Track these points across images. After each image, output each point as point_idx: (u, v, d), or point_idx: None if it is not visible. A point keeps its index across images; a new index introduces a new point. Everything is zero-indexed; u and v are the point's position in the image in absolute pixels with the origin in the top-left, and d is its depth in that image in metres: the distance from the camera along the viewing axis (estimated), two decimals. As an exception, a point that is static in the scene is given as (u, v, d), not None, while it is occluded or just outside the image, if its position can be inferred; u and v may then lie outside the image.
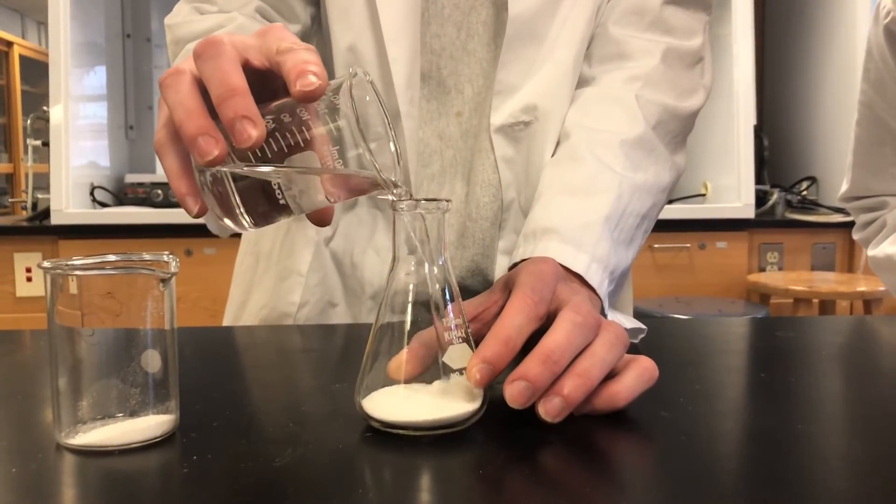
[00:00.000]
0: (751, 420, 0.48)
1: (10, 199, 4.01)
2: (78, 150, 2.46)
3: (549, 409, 0.42)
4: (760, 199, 2.62)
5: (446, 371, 0.44)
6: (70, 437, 0.41)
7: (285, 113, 0.41)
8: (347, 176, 0.43)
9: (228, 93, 0.38)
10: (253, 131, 0.38)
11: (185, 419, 0.44)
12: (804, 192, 2.80)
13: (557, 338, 0.44)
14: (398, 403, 0.43)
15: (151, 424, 0.41)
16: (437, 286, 0.44)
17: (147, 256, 0.43)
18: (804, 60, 2.91)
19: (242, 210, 0.42)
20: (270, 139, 0.40)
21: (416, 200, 0.43)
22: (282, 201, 0.43)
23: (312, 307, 0.75)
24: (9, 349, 0.67)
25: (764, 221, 2.57)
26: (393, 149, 0.43)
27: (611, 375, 0.46)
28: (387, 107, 0.44)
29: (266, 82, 0.42)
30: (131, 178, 2.61)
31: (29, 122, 2.96)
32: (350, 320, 0.76)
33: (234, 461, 0.39)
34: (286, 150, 0.41)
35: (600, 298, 0.57)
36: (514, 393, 0.42)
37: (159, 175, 2.65)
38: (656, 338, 0.66)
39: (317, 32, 0.75)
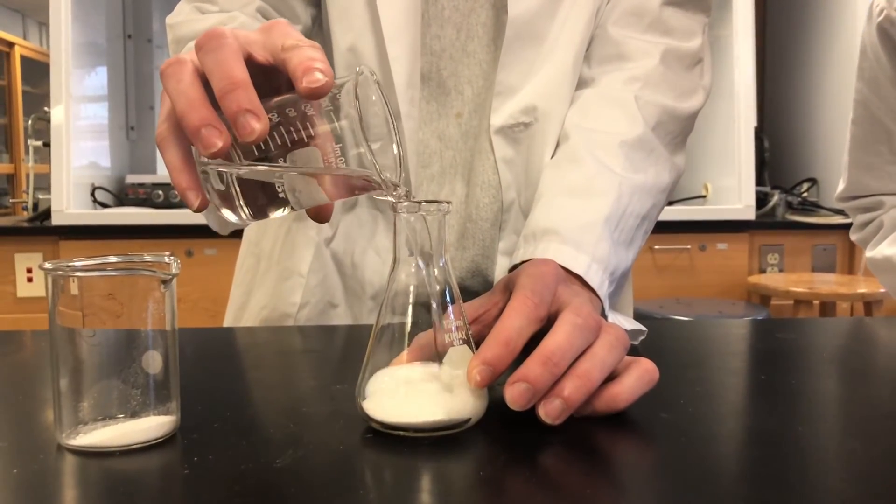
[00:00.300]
0: (751, 422, 0.48)
1: (10, 200, 4.02)
2: (79, 150, 2.46)
3: (550, 411, 0.42)
4: (761, 200, 2.62)
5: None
6: (71, 438, 0.41)
7: (289, 108, 0.41)
8: (348, 175, 0.43)
9: (231, 86, 0.38)
10: (256, 125, 0.38)
11: (185, 420, 0.44)
12: (805, 194, 2.80)
13: (558, 339, 0.44)
14: (399, 405, 0.43)
15: (152, 425, 0.41)
16: (438, 288, 0.44)
17: (148, 258, 0.43)
18: (805, 62, 2.91)
19: (242, 202, 0.42)
20: (274, 132, 0.40)
21: (417, 202, 0.43)
22: (282, 195, 0.43)
23: (313, 308, 0.75)
24: (10, 350, 0.67)
25: (764, 223, 2.57)
26: (396, 151, 0.43)
27: (611, 377, 0.46)
28: (393, 108, 0.44)
29: (268, 78, 0.42)
30: (132, 178, 2.61)
31: (30, 122, 2.96)
32: (351, 321, 0.76)
33: (235, 462, 0.39)
34: (289, 145, 0.41)
35: (601, 300, 0.57)
36: (514, 394, 0.42)
37: (160, 176, 2.65)
38: (657, 339, 0.66)
39: (317, 33, 0.76)
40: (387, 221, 0.73)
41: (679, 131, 0.72)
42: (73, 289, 0.40)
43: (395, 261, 0.45)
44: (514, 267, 0.59)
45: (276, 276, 0.77)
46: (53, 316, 0.40)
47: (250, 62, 0.41)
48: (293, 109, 0.41)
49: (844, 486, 0.38)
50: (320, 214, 0.47)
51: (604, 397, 0.45)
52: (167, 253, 0.43)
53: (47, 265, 0.40)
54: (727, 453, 0.43)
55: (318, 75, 0.38)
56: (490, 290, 0.53)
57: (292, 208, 0.44)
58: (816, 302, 2.31)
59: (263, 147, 0.41)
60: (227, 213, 0.43)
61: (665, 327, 0.80)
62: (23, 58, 4.49)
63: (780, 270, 2.58)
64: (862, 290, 2.23)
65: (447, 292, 0.44)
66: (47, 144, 2.53)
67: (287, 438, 0.43)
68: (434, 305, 0.44)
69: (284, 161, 0.41)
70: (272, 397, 0.53)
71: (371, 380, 0.44)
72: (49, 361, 0.41)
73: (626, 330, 0.48)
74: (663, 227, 1.79)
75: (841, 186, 0.98)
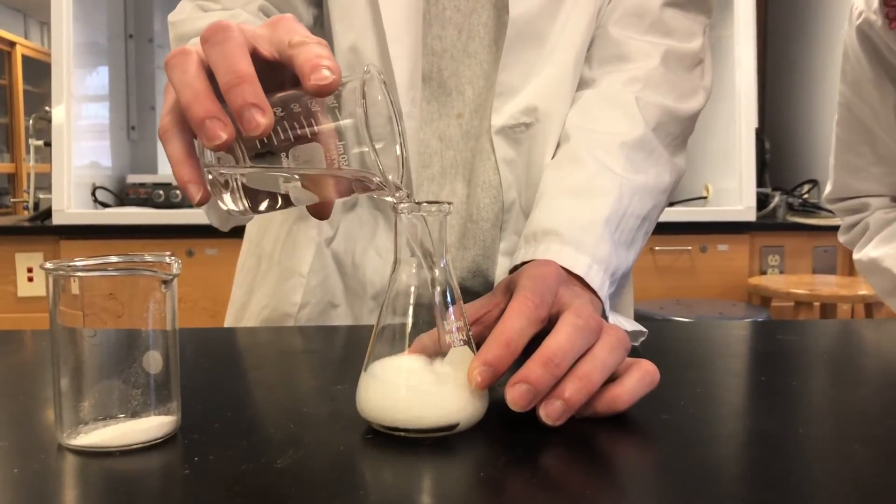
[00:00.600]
0: (752, 423, 0.48)
1: (11, 199, 4.02)
2: (80, 150, 2.46)
3: (551, 412, 0.42)
4: (762, 201, 2.62)
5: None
6: (71, 438, 0.41)
7: (294, 103, 0.41)
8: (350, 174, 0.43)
9: (237, 79, 0.38)
10: (262, 119, 0.38)
11: (186, 420, 0.44)
12: (805, 195, 2.80)
13: (559, 341, 0.44)
14: (399, 405, 0.43)
15: (153, 425, 0.41)
16: (439, 288, 0.44)
17: (149, 258, 0.43)
18: (806, 63, 2.91)
19: (242, 194, 0.43)
20: (278, 127, 0.40)
21: (418, 203, 0.43)
22: (283, 191, 0.43)
23: (314, 308, 0.75)
24: (10, 349, 0.67)
25: (765, 224, 2.57)
26: (399, 152, 0.43)
27: (612, 378, 0.46)
28: (397, 108, 0.44)
29: (273, 73, 0.42)
30: (133, 178, 2.61)
31: (31, 122, 2.97)
32: (351, 321, 0.76)
33: (235, 462, 0.39)
34: (292, 140, 0.41)
35: (601, 301, 0.57)
36: (515, 396, 0.42)
37: (161, 175, 2.65)
38: (657, 340, 0.66)
39: (319, 32, 0.76)
40: (387, 221, 0.73)
41: (680, 132, 0.72)
42: (74, 289, 0.40)
43: (395, 261, 0.45)
44: (515, 268, 0.59)
45: (276, 276, 0.77)
46: (54, 316, 0.40)
47: (255, 57, 0.40)
48: (298, 105, 0.41)
49: (844, 487, 0.38)
50: (321, 211, 0.47)
51: (604, 398, 0.45)
52: (168, 253, 0.43)
53: (48, 265, 0.40)
54: (727, 454, 0.43)
55: (326, 72, 0.38)
56: (491, 291, 0.53)
57: (293, 204, 0.44)
58: (817, 304, 2.32)
59: (267, 141, 0.41)
60: (228, 201, 0.43)
61: (666, 328, 0.80)
62: (24, 57, 4.50)
63: (781, 272, 2.58)
64: (863, 291, 2.23)
65: (448, 293, 0.44)
66: (48, 144, 2.53)
67: (287, 439, 0.43)
68: (435, 306, 0.44)
69: (287, 156, 0.41)
70: (273, 397, 0.53)
71: (371, 379, 0.44)
72: (50, 361, 0.41)
73: (626, 331, 0.48)
74: (664, 228, 1.79)
75: (828, 188, 0.99)
